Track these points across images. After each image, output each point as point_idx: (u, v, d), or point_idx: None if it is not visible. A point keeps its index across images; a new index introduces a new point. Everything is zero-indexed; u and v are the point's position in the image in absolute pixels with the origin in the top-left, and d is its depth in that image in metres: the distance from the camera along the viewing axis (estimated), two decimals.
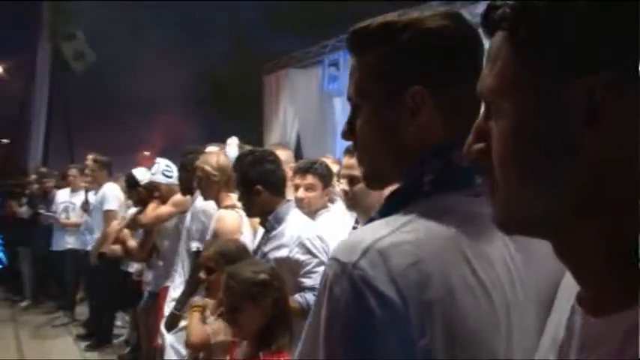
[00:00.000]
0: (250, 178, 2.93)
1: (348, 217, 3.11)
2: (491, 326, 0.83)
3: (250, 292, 2.27)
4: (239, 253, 2.76)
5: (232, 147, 3.83)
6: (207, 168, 3.64)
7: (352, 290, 0.79)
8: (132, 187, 5.35)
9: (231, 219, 3.44)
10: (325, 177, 3.35)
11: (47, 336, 7.11)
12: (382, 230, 0.84)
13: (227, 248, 2.80)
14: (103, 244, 6.29)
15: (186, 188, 4.38)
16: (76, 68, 13.08)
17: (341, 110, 8.66)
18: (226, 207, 3.56)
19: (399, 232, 0.83)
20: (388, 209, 0.92)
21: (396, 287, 0.78)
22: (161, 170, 4.74)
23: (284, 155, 3.63)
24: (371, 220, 0.93)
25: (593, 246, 0.60)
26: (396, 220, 0.86)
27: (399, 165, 0.97)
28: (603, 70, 0.56)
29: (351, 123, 1.03)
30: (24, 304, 8.49)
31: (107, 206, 6.36)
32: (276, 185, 2.97)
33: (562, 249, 0.65)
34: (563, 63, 0.58)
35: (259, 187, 2.92)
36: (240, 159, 3.10)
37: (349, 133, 1.04)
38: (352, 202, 2.71)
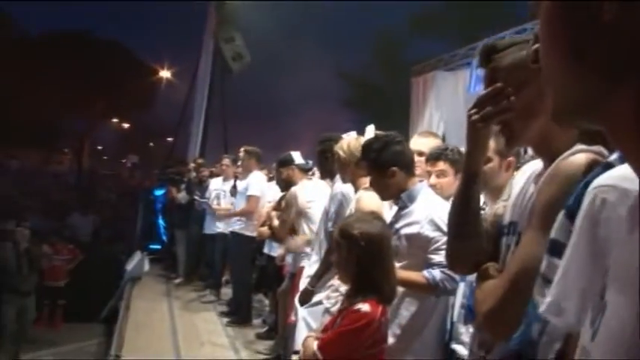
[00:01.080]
0: (383, 161, 3.02)
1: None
2: None
3: (337, 241, 2.55)
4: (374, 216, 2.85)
5: (369, 134, 3.94)
6: (340, 151, 3.80)
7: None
8: (284, 165, 5.65)
9: (371, 199, 3.46)
10: (457, 162, 3.29)
11: (195, 310, 7.72)
12: None
13: (364, 216, 2.90)
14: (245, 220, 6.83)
15: (325, 173, 4.60)
16: (233, 69, 14.02)
17: None
18: (366, 188, 3.59)
19: None
20: None
21: None
22: None
23: (433, 142, 3.63)
24: (609, 165, 0.98)
25: (634, 117, 0.62)
26: None
27: None
28: None
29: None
30: (177, 281, 9.23)
31: (250, 192, 6.97)
32: (408, 165, 3.05)
33: (611, 130, 0.67)
34: None
35: (394, 168, 3.00)
36: (367, 146, 3.19)
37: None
38: (481, 182, 2.71)
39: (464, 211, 1.75)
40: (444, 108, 9.55)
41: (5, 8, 30.41)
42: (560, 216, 1.04)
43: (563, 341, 0.96)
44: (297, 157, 5.63)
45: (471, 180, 1.75)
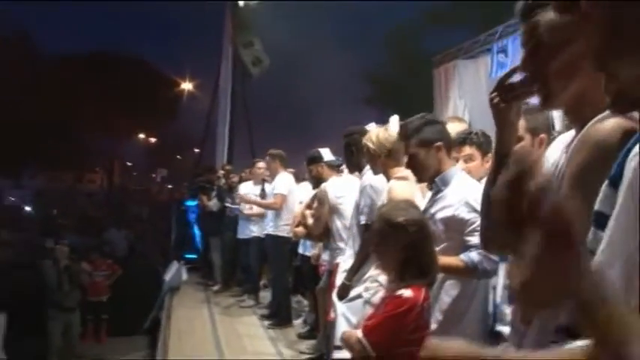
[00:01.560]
0: (428, 137, 2.98)
1: None
2: None
3: (385, 231, 2.52)
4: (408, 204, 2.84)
5: (394, 124, 3.93)
6: (369, 143, 3.79)
7: None
8: (313, 163, 5.71)
9: (403, 188, 3.46)
10: (482, 145, 3.24)
11: (235, 315, 7.78)
12: None
13: (400, 204, 2.89)
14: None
15: (353, 166, 4.61)
16: (253, 73, 14.15)
17: None
18: (398, 178, 3.60)
19: None
20: None
21: None
22: None
23: (460, 127, 3.60)
24: None
25: None
26: None
27: None
28: None
29: None
30: (215, 288, 9.30)
31: (276, 190, 7.16)
32: (450, 143, 3.03)
33: None
34: None
35: (440, 143, 2.98)
36: (406, 125, 3.13)
37: None
38: None
39: None
40: (467, 96, 9.47)
41: (29, 32, 31.09)
42: (604, 186, 1.02)
43: None
44: (326, 153, 5.66)
45: (502, 161, 1.74)
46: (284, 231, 6.96)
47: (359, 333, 2.48)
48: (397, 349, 2.46)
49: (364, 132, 4.16)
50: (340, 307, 4.06)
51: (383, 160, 3.73)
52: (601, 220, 1.00)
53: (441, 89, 10.48)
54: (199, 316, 7.89)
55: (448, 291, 2.85)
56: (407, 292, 2.44)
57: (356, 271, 3.99)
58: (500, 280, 2.82)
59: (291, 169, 7.92)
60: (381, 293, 2.97)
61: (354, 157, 4.52)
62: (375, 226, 2.61)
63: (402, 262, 2.49)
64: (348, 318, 3.95)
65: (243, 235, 8.32)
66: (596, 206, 1.03)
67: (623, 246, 0.89)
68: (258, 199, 7.69)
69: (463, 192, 2.86)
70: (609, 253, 0.92)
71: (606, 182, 1.02)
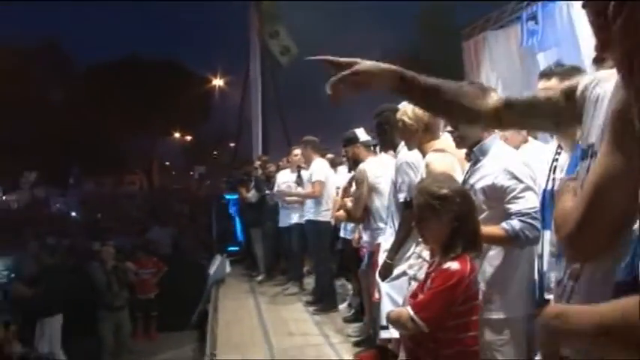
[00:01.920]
0: None
1: (548, 148, 3.02)
2: None
3: (431, 204, 2.48)
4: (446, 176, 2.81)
5: None
6: (405, 118, 3.72)
7: None
8: (350, 144, 5.69)
9: (442, 161, 3.40)
10: None
11: (281, 303, 7.82)
12: None
13: (440, 177, 2.85)
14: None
15: (387, 144, 4.55)
16: (282, 62, 14.21)
17: (545, 66, 8.14)
18: (436, 150, 3.54)
19: None
20: None
21: None
22: None
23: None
24: None
25: None
26: None
27: None
28: None
29: None
30: (259, 278, 9.36)
31: (314, 177, 7.15)
32: None
33: None
34: None
35: None
36: None
37: None
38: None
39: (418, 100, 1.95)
40: (499, 66, 9.28)
41: (59, 40, 31.70)
42: None
43: None
44: (361, 133, 5.62)
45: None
46: (324, 216, 6.98)
47: (410, 310, 2.45)
48: (449, 323, 2.44)
49: (396, 109, 4.09)
50: (384, 287, 4.03)
51: (419, 135, 3.65)
52: None
53: (472, 62, 10.29)
54: (245, 306, 7.96)
55: (491, 261, 2.80)
56: (454, 265, 2.42)
57: (397, 250, 3.94)
58: (546, 247, 2.76)
59: (330, 155, 7.91)
60: (425, 268, 2.94)
61: (388, 135, 4.47)
62: (418, 201, 2.56)
63: (449, 235, 2.47)
64: (392, 297, 3.92)
65: (284, 223, 8.32)
66: None
67: None
68: (298, 191, 7.70)
69: (502, 160, 2.82)
70: None
71: None
